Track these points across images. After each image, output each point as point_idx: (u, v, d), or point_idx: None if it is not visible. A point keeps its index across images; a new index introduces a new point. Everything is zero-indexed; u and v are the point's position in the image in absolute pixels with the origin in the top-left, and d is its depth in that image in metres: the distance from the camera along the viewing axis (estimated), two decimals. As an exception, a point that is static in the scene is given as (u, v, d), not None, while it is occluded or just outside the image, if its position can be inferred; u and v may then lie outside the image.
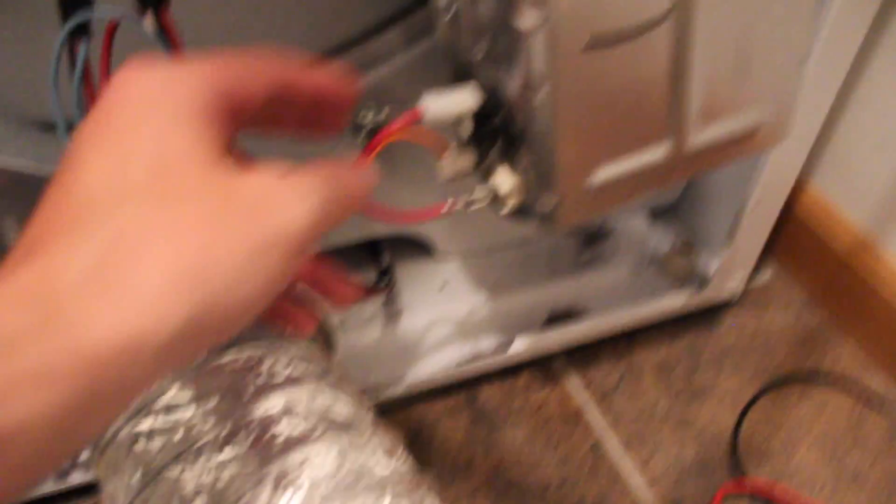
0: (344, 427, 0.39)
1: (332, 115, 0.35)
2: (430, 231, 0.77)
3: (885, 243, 0.84)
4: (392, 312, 0.81)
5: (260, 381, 0.40)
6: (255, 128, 0.32)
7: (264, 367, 0.41)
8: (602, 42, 0.36)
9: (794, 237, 0.94)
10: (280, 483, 0.35)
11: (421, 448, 0.81)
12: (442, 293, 0.83)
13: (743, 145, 0.48)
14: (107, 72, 0.38)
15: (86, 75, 0.38)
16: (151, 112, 0.25)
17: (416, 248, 0.81)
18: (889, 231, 0.83)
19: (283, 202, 0.26)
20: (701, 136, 0.45)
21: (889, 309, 0.83)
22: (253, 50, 0.30)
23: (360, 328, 0.79)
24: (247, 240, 0.24)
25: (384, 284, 0.69)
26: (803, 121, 0.65)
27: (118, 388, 0.22)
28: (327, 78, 0.33)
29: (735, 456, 0.81)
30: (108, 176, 0.24)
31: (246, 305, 0.24)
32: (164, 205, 0.23)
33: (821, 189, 0.90)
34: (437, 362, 0.79)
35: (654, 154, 0.44)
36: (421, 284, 0.83)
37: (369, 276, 0.76)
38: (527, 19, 0.34)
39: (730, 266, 0.85)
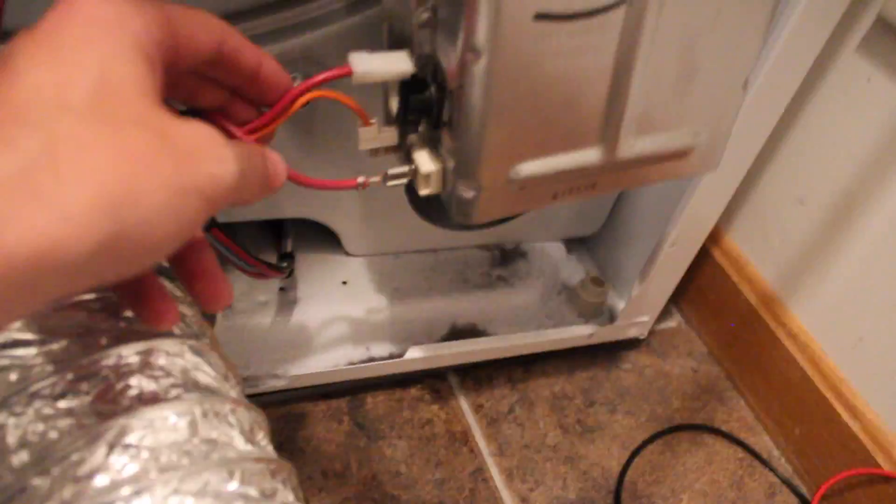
0: (205, 393, 0.35)
1: (260, 96, 0.37)
2: (340, 222, 0.73)
3: (790, 303, 0.84)
4: (287, 301, 0.77)
5: (120, 325, 0.35)
6: (186, 87, 0.34)
7: (128, 312, 0.36)
8: (551, 14, 0.34)
9: (705, 287, 0.94)
10: (117, 444, 0.30)
11: (294, 448, 0.77)
12: (342, 290, 0.79)
13: (672, 167, 0.47)
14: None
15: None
16: (101, 36, 0.26)
17: (322, 240, 0.78)
18: (795, 290, 0.83)
19: (215, 156, 0.27)
20: (633, 147, 0.43)
21: (784, 371, 0.84)
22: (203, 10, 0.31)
23: (251, 312, 0.75)
24: (173, 181, 0.25)
25: (283, 267, 0.65)
26: (730, 161, 0.64)
27: (25, 295, 0.22)
28: (271, 59, 0.36)
29: (618, 499, 0.79)
30: (48, 87, 0.24)
31: (157, 244, 0.25)
32: (101, 127, 0.24)
33: (735, 241, 0.91)
34: (325, 360, 0.74)
35: (582, 158, 0.43)
36: (321, 277, 0.79)
37: (269, 258, 0.72)
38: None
39: (638, 306, 0.84)
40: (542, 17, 0.34)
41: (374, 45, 0.52)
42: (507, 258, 0.87)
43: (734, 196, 0.74)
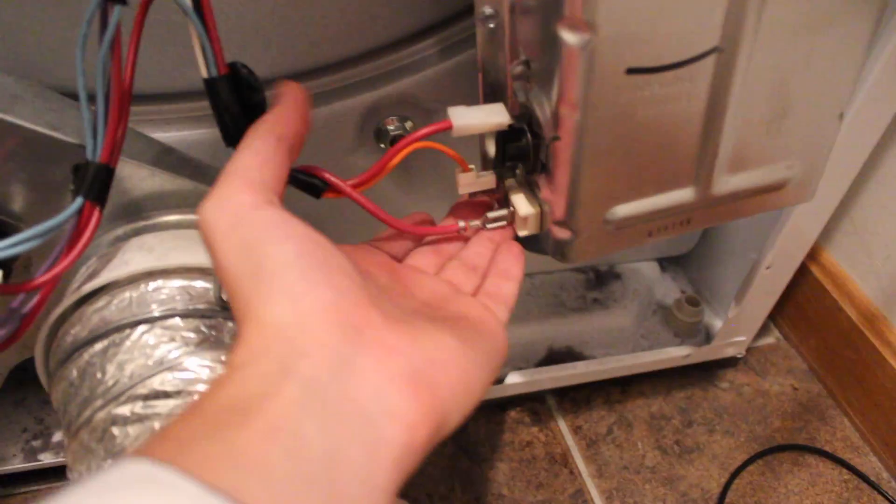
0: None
1: None
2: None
3: (893, 321, 0.82)
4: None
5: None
6: None
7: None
8: (643, 68, 0.35)
9: (804, 304, 0.93)
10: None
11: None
12: (441, 316, 0.81)
13: (767, 199, 0.47)
14: (137, 41, 0.38)
15: (115, 43, 0.37)
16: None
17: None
18: (901, 308, 0.81)
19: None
20: (727, 184, 0.44)
21: (890, 389, 0.82)
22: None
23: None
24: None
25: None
26: (828, 183, 0.64)
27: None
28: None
29: (718, 520, 0.79)
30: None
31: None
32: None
33: (835, 258, 0.89)
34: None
35: (676, 197, 0.43)
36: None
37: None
38: (572, 36, 0.34)
39: (735, 325, 0.83)
40: (634, 70, 0.36)
41: (467, 87, 0.55)
42: (601, 280, 0.88)
43: (833, 212, 0.73)
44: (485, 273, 0.41)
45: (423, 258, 0.41)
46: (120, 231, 0.48)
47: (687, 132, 0.40)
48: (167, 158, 0.50)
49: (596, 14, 0.33)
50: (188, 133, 0.53)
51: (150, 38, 0.39)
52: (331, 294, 0.26)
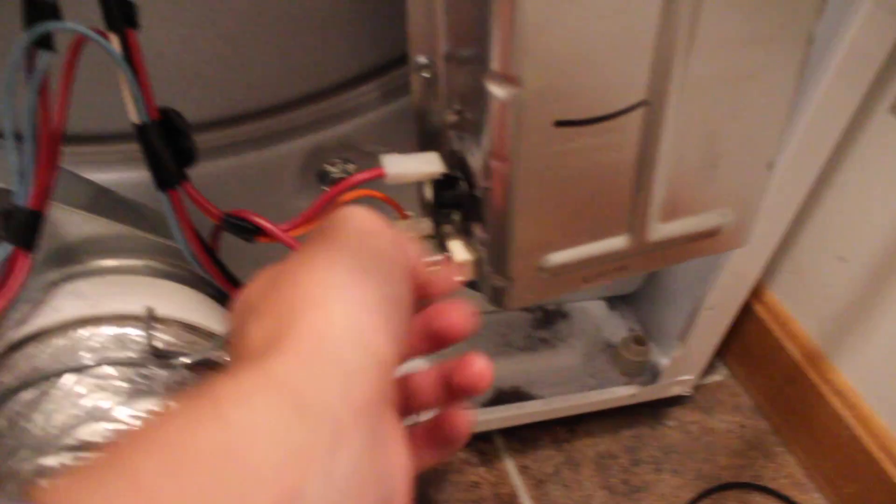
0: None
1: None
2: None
3: (834, 359, 0.84)
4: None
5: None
6: None
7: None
8: (571, 121, 0.36)
9: (749, 342, 0.94)
10: None
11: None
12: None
13: (702, 245, 0.48)
14: (67, 88, 0.37)
15: (43, 89, 0.37)
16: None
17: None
18: (839, 347, 0.83)
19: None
20: (660, 232, 0.45)
21: (831, 427, 0.83)
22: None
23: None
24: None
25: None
26: (765, 227, 0.65)
27: None
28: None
29: (664, 560, 0.79)
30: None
31: None
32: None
33: (778, 297, 0.91)
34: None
35: (611, 245, 0.44)
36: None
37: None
38: (500, 90, 0.34)
39: (681, 363, 0.84)
40: (562, 123, 0.36)
41: (409, 131, 0.55)
42: (549, 319, 0.88)
43: (774, 253, 0.75)
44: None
45: None
46: (52, 276, 0.47)
47: (618, 181, 0.41)
48: (104, 201, 0.49)
49: (523, 69, 0.33)
50: (127, 175, 0.53)
51: (86, 78, 0.39)
52: None
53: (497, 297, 0.44)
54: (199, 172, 0.40)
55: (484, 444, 0.86)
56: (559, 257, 0.43)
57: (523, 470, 0.85)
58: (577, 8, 0.32)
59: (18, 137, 0.38)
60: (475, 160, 0.39)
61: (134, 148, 0.52)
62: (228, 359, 0.28)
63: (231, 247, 0.46)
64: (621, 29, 0.34)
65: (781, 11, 0.37)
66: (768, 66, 0.39)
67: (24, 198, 0.39)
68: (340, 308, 0.26)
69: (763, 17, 0.37)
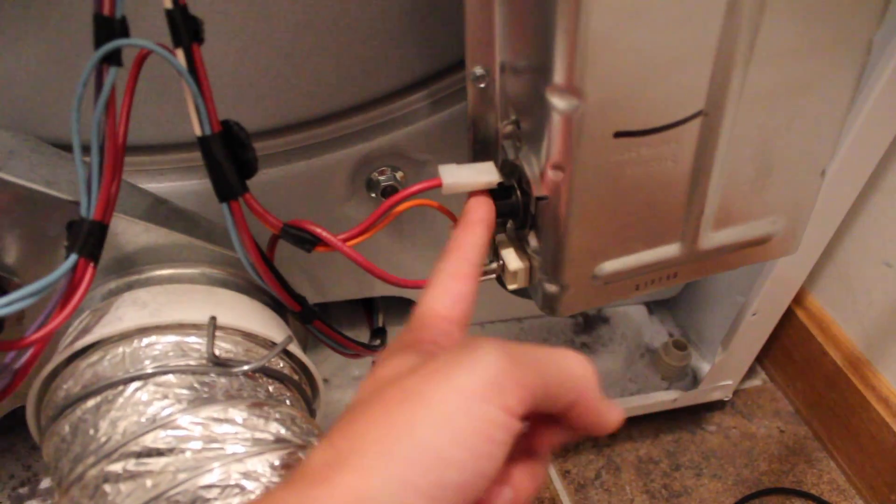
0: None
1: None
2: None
3: (878, 365, 0.83)
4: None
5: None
6: None
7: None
8: (630, 132, 0.36)
9: (790, 347, 0.94)
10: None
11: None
12: (431, 361, 0.81)
13: (752, 253, 0.48)
14: (131, 99, 0.38)
15: (110, 102, 0.38)
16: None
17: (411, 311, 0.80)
18: (884, 352, 0.82)
19: None
20: (712, 240, 0.45)
21: (875, 433, 0.82)
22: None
23: (346, 387, 0.78)
24: None
25: (377, 346, 0.68)
26: (811, 233, 0.65)
27: None
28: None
29: (707, 564, 0.79)
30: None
31: None
32: None
33: (820, 303, 0.90)
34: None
35: (663, 253, 0.44)
36: (411, 349, 0.81)
37: (362, 334, 0.75)
38: (561, 101, 0.34)
39: (722, 368, 0.84)
40: (621, 134, 0.36)
41: (457, 139, 0.56)
42: (590, 324, 0.88)
43: (818, 258, 0.74)
44: None
45: None
46: (113, 285, 0.48)
47: (673, 191, 0.41)
48: (160, 211, 0.50)
49: (585, 81, 0.34)
50: (181, 184, 0.54)
51: (144, 90, 0.39)
52: None
53: (549, 304, 0.44)
54: (250, 181, 0.40)
55: (524, 449, 0.86)
56: (612, 265, 0.43)
57: (564, 474, 0.85)
58: (640, 21, 0.33)
59: (86, 150, 0.39)
60: (531, 170, 0.39)
61: (187, 157, 0.54)
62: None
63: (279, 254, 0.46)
64: (683, 41, 0.34)
65: (841, 21, 0.37)
66: (826, 76, 0.39)
67: (89, 209, 0.40)
68: (383, 480, 0.24)
69: (823, 26, 0.37)
